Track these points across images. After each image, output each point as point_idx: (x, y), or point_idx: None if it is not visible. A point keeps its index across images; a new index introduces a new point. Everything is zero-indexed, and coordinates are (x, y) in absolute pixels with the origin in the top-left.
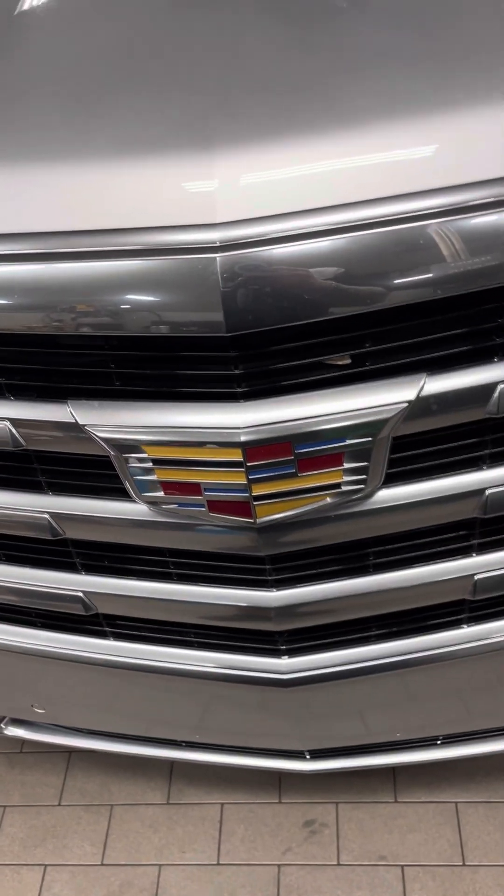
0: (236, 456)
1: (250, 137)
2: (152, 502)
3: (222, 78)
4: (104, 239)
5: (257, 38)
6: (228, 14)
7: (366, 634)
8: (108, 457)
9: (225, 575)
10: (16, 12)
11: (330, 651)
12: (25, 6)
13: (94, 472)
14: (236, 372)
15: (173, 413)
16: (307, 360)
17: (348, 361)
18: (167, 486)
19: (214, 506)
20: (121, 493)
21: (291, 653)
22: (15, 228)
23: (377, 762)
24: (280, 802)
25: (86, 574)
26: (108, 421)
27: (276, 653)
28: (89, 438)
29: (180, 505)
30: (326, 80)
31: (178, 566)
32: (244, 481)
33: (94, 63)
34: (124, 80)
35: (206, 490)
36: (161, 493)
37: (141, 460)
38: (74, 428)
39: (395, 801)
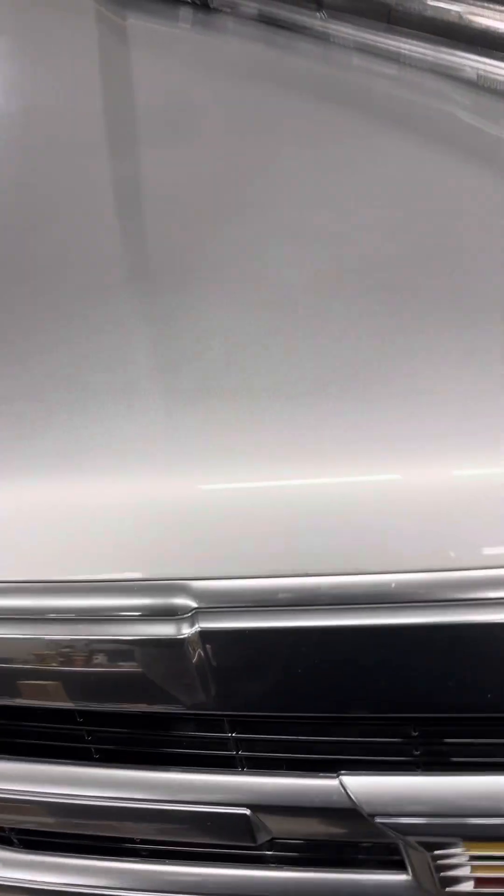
0: None
1: None
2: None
3: None
4: None
5: None
6: None
7: None
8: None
9: None
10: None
11: None
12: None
13: (347, 844)
14: None
15: None
16: None
17: None
18: (483, 881)
19: None
20: (385, 866)
21: None
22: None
23: None
24: None
25: None
26: (406, 807)
27: None
28: (368, 824)
29: None
30: None
31: None
32: None
33: None
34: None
35: None
36: (469, 888)
37: (452, 855)
38: (349, 812)
39: None
